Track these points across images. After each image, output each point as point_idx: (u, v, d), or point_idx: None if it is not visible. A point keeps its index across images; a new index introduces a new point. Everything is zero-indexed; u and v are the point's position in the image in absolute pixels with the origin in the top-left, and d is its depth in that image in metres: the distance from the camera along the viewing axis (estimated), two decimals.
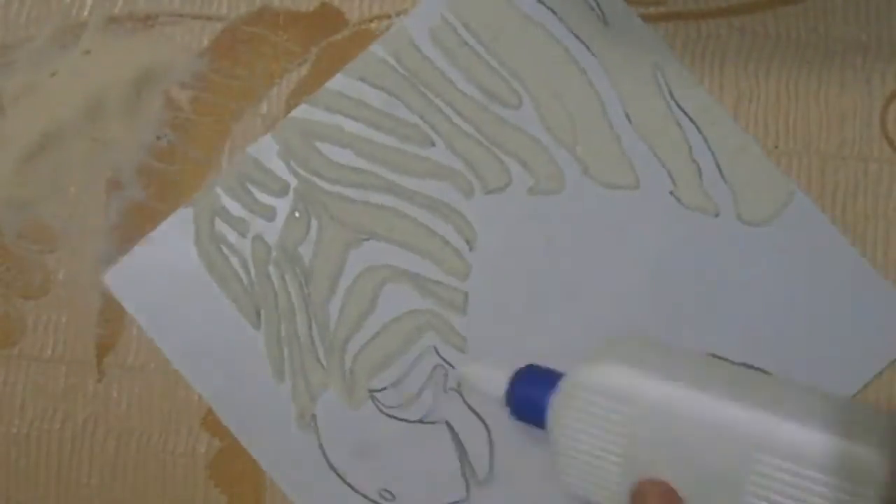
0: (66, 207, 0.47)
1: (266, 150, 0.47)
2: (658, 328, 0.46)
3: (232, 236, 0.47)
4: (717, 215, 0.47)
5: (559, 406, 0.38)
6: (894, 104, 0.48)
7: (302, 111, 0.47)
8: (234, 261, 0.47)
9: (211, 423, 0.47)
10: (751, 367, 0.44)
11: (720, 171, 0.47)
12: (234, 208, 0.47)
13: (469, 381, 0.45)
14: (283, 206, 0.47)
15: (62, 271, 0.47)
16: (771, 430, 0.33)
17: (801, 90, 0.48)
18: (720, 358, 0.44)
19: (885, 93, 0.48)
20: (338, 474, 0.46)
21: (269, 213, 0.47)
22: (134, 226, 0.47)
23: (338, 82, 0.48)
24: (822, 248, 0.46)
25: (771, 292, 0.46)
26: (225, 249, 0.47)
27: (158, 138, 0.48)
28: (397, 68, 0.48)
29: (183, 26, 0.48)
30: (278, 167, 0.47)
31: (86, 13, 0.48)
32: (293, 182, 0.47)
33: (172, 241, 0.47)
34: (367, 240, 0.47)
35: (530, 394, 0.40)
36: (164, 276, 0.47)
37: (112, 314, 0.47)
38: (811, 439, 0.33)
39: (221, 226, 0.47)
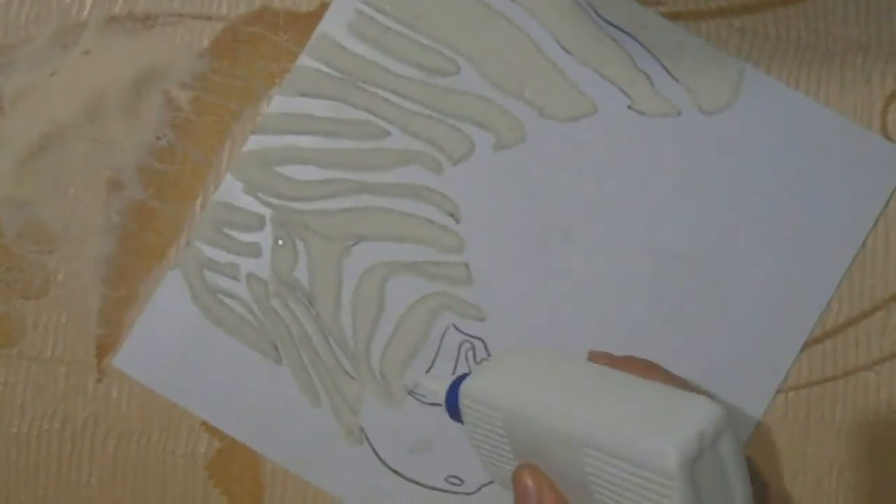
0: (66, 207, 0.47)
1: (231, 190, 0.47)
2: (657, 240, 0.47)
3: (226, 283, 0.47)
4: (679, 114, 0.47)
5: (462, 412, 0.42)
6: (894, 104, 0.48)
7: (253, 143, 0.48)
8: (236, 306, 0.47)
9: (209, 423, 0.47)
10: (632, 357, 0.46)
11: (668, 71, 0.48)
12: (219, 256, 0.47)
13: (420, 392, 0.47)
14: (264, 238, 0.47)
15: (62, 271, 0.47)
16: (592, 427, 0.36)
17: (801, 90, 0.48)
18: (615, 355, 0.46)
19: (885, 93, 0.48)
20: (402, 476, 0.47)
21: (253, 250, 0.47)
22: (134, 226, 0.47)
23: (278, 104, 0.48)
24: (787, 111, 0.47)
25: (756, 169, 0.47)
26: (224, 298, 0.47)
27: (158, 138, 0.48)
28: (332, 73, 0.48)
29: (183, 26, 0.48)
30: (248, 203, 0.47)
31: (86, 13, 0.48)
32: (267, 213, 0.47)
33: (170, 306, 0.47)
34: (356, 244, 0.47)
35: (454, 401, 0.43)
36: (172, 342, 0.47)
37: (112, 314, 0.47)
38: (618, 434, 0.35)
39: (212, 277, 0.47)
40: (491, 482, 0.46)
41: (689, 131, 0.47)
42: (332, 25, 0.48)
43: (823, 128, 0.47)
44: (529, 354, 0.43)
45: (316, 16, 0.48)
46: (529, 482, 0.39)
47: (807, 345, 0.47)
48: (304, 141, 0.48)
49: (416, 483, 0.47)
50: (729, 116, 0.47)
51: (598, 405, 0.37)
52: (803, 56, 0.48)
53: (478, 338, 0.47)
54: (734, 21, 0.48)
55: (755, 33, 0.48)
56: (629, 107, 0.48)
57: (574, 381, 0.40)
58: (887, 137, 0.47)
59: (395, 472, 0.47)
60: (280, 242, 0.47)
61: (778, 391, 0.47)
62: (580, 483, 0.37)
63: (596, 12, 0.48)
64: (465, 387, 0.42)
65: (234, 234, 0.47)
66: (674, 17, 0.48)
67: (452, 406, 0.43)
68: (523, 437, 0.39)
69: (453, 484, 0.47)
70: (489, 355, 0.47)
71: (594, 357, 0.44)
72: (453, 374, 0.47)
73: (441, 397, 0.44)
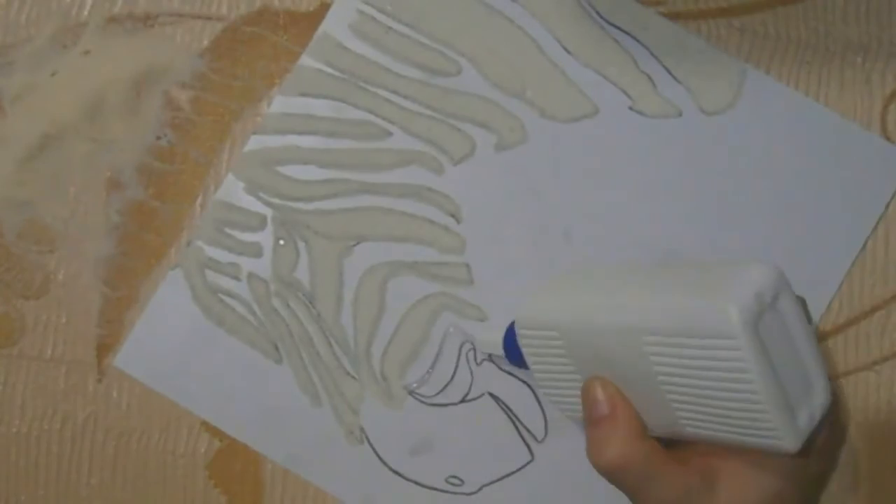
0: (66, 207, 0.47)
1: (232, 190, 0.47)
2: (659, 240, 0.47)
3: (227, 283, 0.47)
4: (680, 115, 0.47)
5: (521, 346, 0.42)
6: (894, 104, 0.48)
7: (254, 142, 0.48)
8: (238, 305, 0.47)
9: (210, 423, 0.47)
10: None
11: (669, 72, 0.48)
12: (220, 255, 0.47)
13: (478, 347, 0.46)
14: (265, 238, 0.47)
15: (62, 271, 0.47)
16: (648, 313, 0.35)
17: (801, 90, 0.48)
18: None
19: (885, 93, 0.48)
20: (402, 476, 0.47)
21: (254, 250, 0.47)
22: (134, 226, 0.47)
23: (279, 104, 0.48)
24: (789, 113, 0.47)
25: (757, 170, 0.47)
26: (225, 298, 0.47)
27: (158, 138, 0.48)
28: (333, 73, 0.48)
29: (183, 26, 0.48)
30: (249, 203, 0.47)
31: (86, 13, 0.48)
32: (268, 212, 0.47)
33: (171, 306, 0.47)
34: (357, 244, 0.47)
35: (513, 343, 0.43)
36: (173, 342, 0.47)
37: (112, 314, 0.47)
38: (674, 311, 0.34)
39: (213, 276, 0.47)
40: (492, 482, 0.46)
41: (690, 132, 0.47)
42: (334, 25, 0.48)
43: (825, 129, 0.47)
44: (575, 273, 0.43)
45: (316, 16, 0.48)
46: (599, 393, 0.38)
47: None
48: (306, 141, 0.48)
49: (417, 483, 0.47)
50: (730, 117, 0.47)
51: (651, 291, 0.36)
52: (803, 56, 0.48)
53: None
54: (734, 21, 0.48)
55: (755, 33, 0.48)
56: (630, 107, 0.48)
57: (624, 278, 0.39)
58: (887, 137, 0.47)
59: (396, 472, 0.47)
60: (281, 242, 0.47)
61: None
62: (648, 383, 0.36)
63: (598, 13, 0.48)
64: (518, 318, 0.41)
65: (236, 233, 0.47)
66: (674, 16, 0.48)
67: (512, 348, 0.43)
68: (584, 351, 0.38)
69: (454, 484, 0.47)
70: (490, 356, 0.47)
71: None
72: (453, 375, 0.47)
73: (499, 345, 0.44)
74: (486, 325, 0.46)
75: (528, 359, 0.42)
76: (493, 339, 0.44)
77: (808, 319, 0.35)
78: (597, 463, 0.38)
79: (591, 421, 0.38)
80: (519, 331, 0.41)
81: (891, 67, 0.48)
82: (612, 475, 0.38)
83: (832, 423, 0.38)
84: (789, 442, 0.34)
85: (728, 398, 0.34)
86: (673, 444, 0.39)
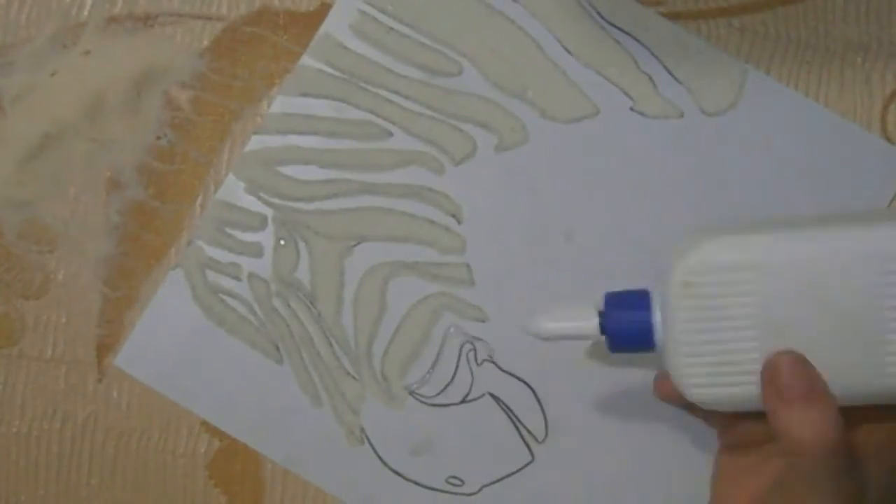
0: (66, 207, 0.47)
1: (233, 190, 0.47)
2: (660, 241, 0.46)
3: (228, 283, 0.47)
4: (682, 116, 0.47)
5: (674, 306, 0.36)
6: (894, 104, 0.48)
7: (255, 143, 0.48)
8: (238, 305, 0.47)
9: (210, 423, 0.47)
10: None
11: (670, 73, 0.48)
12: (221, 255, 0.47)
13: (554, 332, 0.39)
14: (266, 238, 0.47)
15: (62, 271, 0.47)
16: (884, 237, 0.33)
17: (801, 90, 0.48)
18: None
19: (885, 93, 0.48)
20: (402, 476, 0.47)
21: (255, 250, 0.47)
22: (134, 226, 0.47)
23: (280, 104, 0.48)
24: (791, 114, 0.47)
25: (759, 170, 0.47)
26: (225, 298, 0.47)
27: (158, 138, 0.48)
28: (334, 73, 0.48)
29: (183, 26, 0.48)
30: (250, 203, 0.47)
31: (86, 13, 0.48)
32: (269, 212, 0.47)
33: (171, 305, 0.47)
34: (357, 245, 0.47)
35: (629, 317, 0.37)
36: (174, 342, 0.47)
37: (112, 314, 0.47)
38: None
39: (214, 276, 0.47)
40: (492, 482, 0.46)
41: (691, 133, 0.47)
42: (335, 25, 0.48)
43: (826, 130, 0.47)
44: (742, 221, 0.39)
45: (316, 16, 0.48)
46: (800, 367, 0.35)
47: None
48: (306, 141, 0.48)
49: (417, 484, 0.47)
50: (731, 118, 0.47)
51: (867, 222, 0.34)
52: (803, 56, 0.48)
53: (479, 339, 0.47)
54: (734, 21, 0.48)
55: (755, 33, 0.48)
56: (631, 108, 0.48)
57: (822, 220, 0.36)
58: (887, 137, 0.47)
59: (396, 472, 0.47)
60: (282, 242, 0.47)
61: None
62: (868, 328, 0.34)
63: (598, 14, 0.48)
64: (695, 258, 0.36)
65: (236, 233, 0.47)
66: (674, 16, 0.48)
67: (621, 327, 0.37)
68: (785, 298, 0.35)
69: (454, 485, 0.46)
70: (490, 356, 0.47)
71: None
72: (453, 375, 0.47)
73: (592, 324, 0.38)
74: (555, 308, 0.39)
75: (682, 322, 0.36)
76: (577, 318, 0.38)
77: None
78: (821, 440, 0.34)
79: (786, 399, 0.35)
80: (694, 277, 0.35)
81: (891, 67, 0.48)
82: (825, 458, 0.34)
83: None
84: None
85: None
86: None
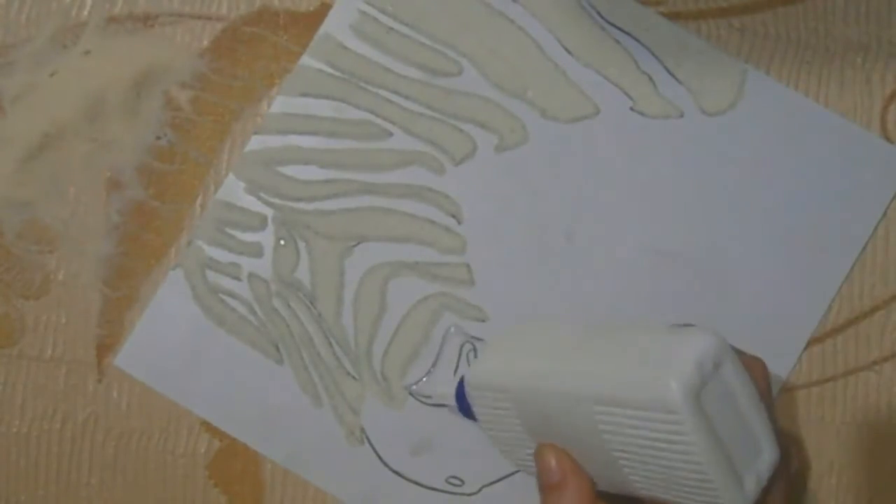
0: (66, 207, 0.47)
1: (233, 190, 0.47)
2: (659, 241, 0.47)
3: (228, 283, 0.47)
4: (682, 116, 0.47)
5: (472, 404, 0.43)
6: (894, 104, 0.48)
7: (255, 143, 0.48)
8: (238, 306, 0.47)
9: (211, 423, 0.47)
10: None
11: (671, 73, 0.48)
12: (221, 255, 0.47)
13: (431, 396, 0.47)
14: (266, 238, 0.47)
15: (62, 271, 0.47)
16: (596, 382, 0.36)
17: (801, 90, 0.48)
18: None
19: (885, 93, 0.48)
20: (402, 476, 0.47)
21: (255, 250, 0.47)
22: (134, 226, 0.47)
23: (280, 104, 0.48)
24: (791, 114, 0.47)
25: (759, 171, 0.47)
26: (225, 298, 0.47)
27: (158, 138, 0.48)
28: (334, 73, 0.48)
29: (183, 26, 0.48)
30: (250, 203, 0.47)
31: (86, 13, 0.48)
32: (269, 212, 0.47)
33: (171, 306, 0.47)
34: (357, 245, 0.47)
35: (464, 396, 0.44)
36: (174, 342, 0.47)
37: (112, 314, 0.47)
38: (620, 382, 0.35)
39: (214, 276, 0.47)
40: (492, 482, 0.47)
41: (691, 133, 0.47)
42: (335, 25, 0.48)
43: (826, 131, 0.47)
44: (524, 330, 0.43)
45: (316, 16, 0.48)
46: (553, 461, 0.39)
47: (807, 345, 0.47)
48: (307, 141, 0.48)
49: (417, 484, 0.47)
50: (732, 118, 0.47)
51: (599, 359, 0.37)
52: (803, 56, 0.48)
53: (479, 339, 0.47)
54: (734, 21, 0.48)
55: (755, 33, 0.48)
56: (631, 108, 0.48)
57: (573, 342, 0.39)
58: (887, 137, 0.47)
59: (396, 472, 0.47)
60: (282, 242, 0.47)
61: (778, 392, 0.47)
62: (598, 447, 0.36)
63: (599, 13, 0.48)
64: (468, 378, 0.42)
65: (236, 233, 0.47)
66: (674, 16, 0.48)
67: (462, 402, 0.43)
68: (534, 414, 0.39)
69: (454, 485, 0.47)
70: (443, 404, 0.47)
71: None
72: (455, 373, 0.47)
73: (451, 397, 0.45)
74: (437, 378, 0.47)
75: (479, 416, 0.42)
76: (444, 392, 0.45)
77: (752, 387, 0.35)
78: None
79: (545, 489, 0.39)
80: (469, 391, 0.42)
81: (891, 67, 0.48)
82: None
83: (787, 477, 0.39)
84: None
85: (674, 466, 0.34)
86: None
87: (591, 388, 0.36)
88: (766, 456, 0.35)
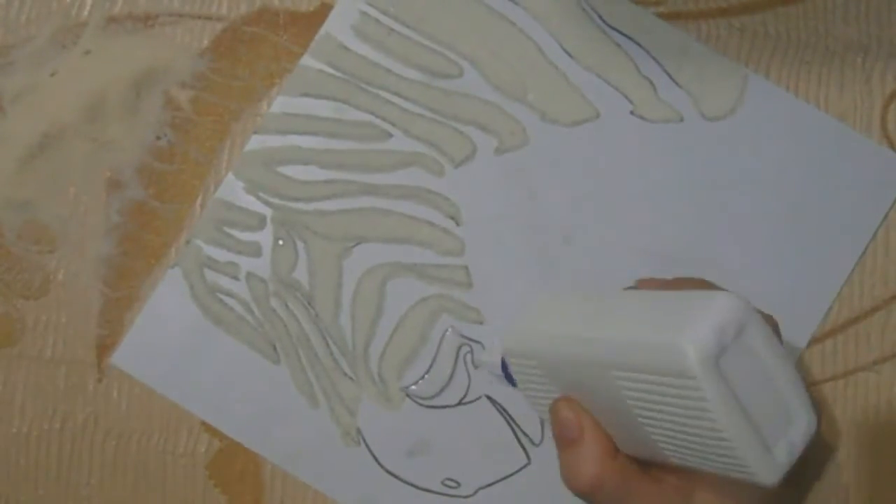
0: (66, 207, 0.48)
1: (232, 189, 0.47)
2: (659, 245, 0.47)
3: (226, 282, 0.47)
4: (682, 120, 0.47)
5: (511, 370, 0.42)
6: (894, 104, 0.48)
7: (255, 142, 0.48)
8: (236, 305, 0.47)
9: (208, 422, 0.47)
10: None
11: (671, 77, 0.48)
12: (219, 255, 0.47)
13: (485, 367, 0.46)
14: (265, 238, 0.47)
15: (62, 271, 0.47)
16: (615, 348, 0.35)
17: (801, 90, 0.48)
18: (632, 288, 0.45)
19: (885, 93, 0.48)
20: (398, 478, 0.47)
21: (254, 250, 0.47)
22: (134, 226, 0.47)
23: (280, 104, 0.48)
24: (791, 119, 0.47)
25: (759, 175, 0.47)
26: (223, 297, 0.47)
27: (158, 138, 0.48)
28: (335, 74, 0.48)
29: (183, 26, 0.48)
30: (249, 203, 0.47)
31: (86, 13, 0.48)
32: (268, 212, 0.47)
33: (169, 304, 0.47)
34: (356, 245, 0.47)
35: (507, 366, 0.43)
36: (171, 341, 0.47)
37: (112, 314, 0.47)
38: (638, 348, 0.34)
39: (212, 275, 0.47)
40: (488, 485, 0.46)
41: (691, 137, 0.47)
42: (336, 26, 0.48)
43: (826, 135, 0.47)
44: (557, 297, 0.42)
45: (316, 16, 0.48)
46: (567, 415, 0.38)
47: (807, 345, 0.47)
48: (306, 141, 0.48)
49: (413, 485, 0.47)
50: (731, 123, 0.47)
51: (619, 326, 0.36)
52: (803, 56, 0.48)
53: (477, 341, 0.47)
54: (734, 21, 0.48)
55: (755, 33, 0.48)
56: (632, 112, 0.48)
57: (600, 309, 0.39)
58: (887, 137, 0.47)
59: (392, 474, 0.47)
60: (280, 242, 0.47)
61: None
62: (624, 411, 0.36)
63: (600, 17, 0.48)
64: (505, 345, 0.42)
65: (235, 233, 0.47)
66: (674, 16, 0.48)
67: (507, 368, 0.43)
68: (564, 378, 0.39)
69: (450, 487, 0.47)
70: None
71: (643, 284, 0.43)
72: (450, 377, 0.47)
73: (497, 366, 0.44)
74: (488, 348, 0.46)
75: (519, 382, 0.42)
76: (494, 362, 0.44)
77: (781, 349, 0.34)
78: (572, 486, 0.38)
79: (562, 444, 0.38)
80: (506, 358, 0.42)
81: (891, 67, 0.48)
82: (588, 497, 0.38)
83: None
84: (766, 477, 0.33)
85: (699, 433, 0.33)
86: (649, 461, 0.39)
87: (609, 353, 0.35)
88: (800, 423, 0.34)
